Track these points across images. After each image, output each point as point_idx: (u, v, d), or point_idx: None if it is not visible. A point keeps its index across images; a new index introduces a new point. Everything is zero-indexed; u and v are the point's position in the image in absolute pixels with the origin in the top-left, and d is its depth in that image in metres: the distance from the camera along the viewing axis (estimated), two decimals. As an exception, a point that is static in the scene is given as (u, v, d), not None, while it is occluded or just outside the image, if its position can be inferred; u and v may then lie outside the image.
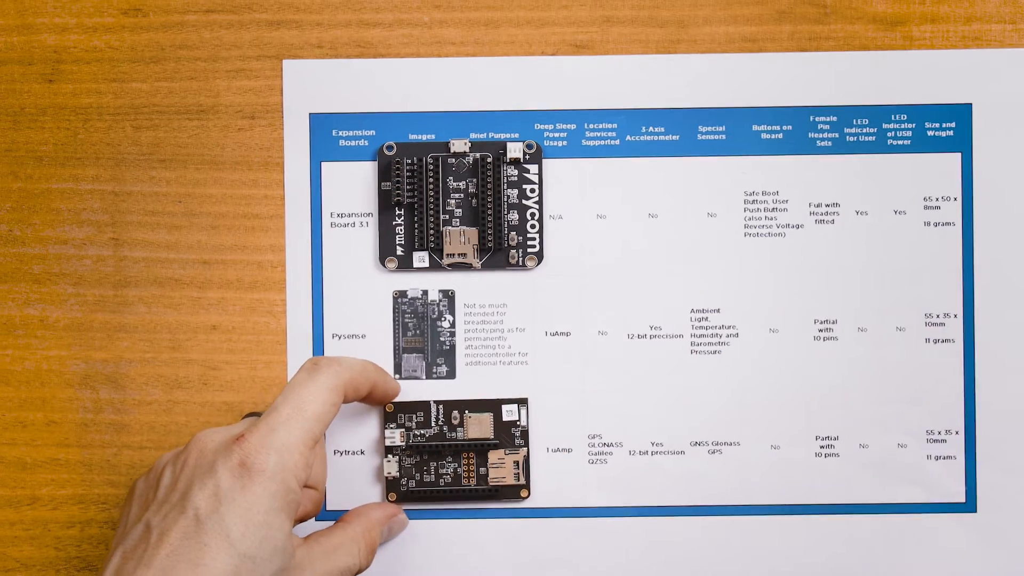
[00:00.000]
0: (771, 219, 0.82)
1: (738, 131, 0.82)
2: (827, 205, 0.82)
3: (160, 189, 0.82)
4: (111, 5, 0.81)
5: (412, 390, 0.81)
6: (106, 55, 0.82)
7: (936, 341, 0.81)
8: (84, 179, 0.82)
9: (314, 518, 0.78)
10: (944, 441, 0.81)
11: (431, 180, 0.81)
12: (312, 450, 0.67)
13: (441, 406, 0.81)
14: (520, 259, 0.81)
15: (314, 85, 0.82)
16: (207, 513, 0.64)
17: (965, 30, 0.82)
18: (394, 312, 0.82)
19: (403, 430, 0.80)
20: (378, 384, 0.76)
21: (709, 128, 0.82)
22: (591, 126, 0.82)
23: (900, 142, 0.82)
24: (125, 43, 0.81)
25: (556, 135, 0.82)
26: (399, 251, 0.81)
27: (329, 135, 0.82)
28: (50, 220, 0.82)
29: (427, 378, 0.81)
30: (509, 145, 0.81)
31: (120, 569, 0.64)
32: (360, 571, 0.72)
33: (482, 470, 0.81)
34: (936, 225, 0.82)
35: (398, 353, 0.81)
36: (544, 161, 0.82)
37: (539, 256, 0.81)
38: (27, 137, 0.82)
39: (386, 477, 0.80)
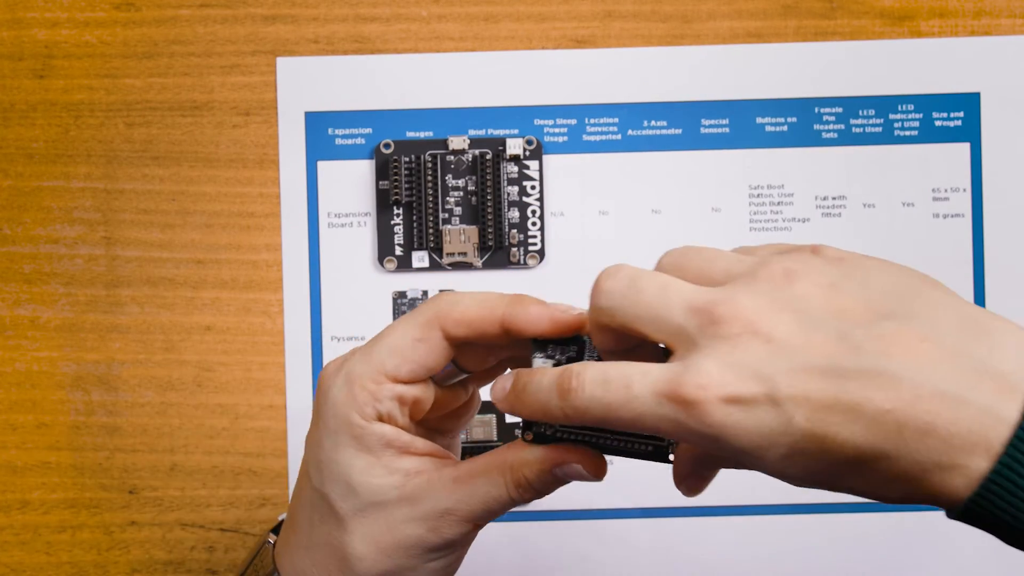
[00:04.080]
0: (777, 213, 0.81)
1: (742, 124, 0.81)
2: (834, 198, 0.81)
3: (153, 187, 0.81)
4: (103, -1, 0.82)
5: (412, 392, 0.80)
6: (98, 50, 0.81)
7: (947, 335, 0.80)
8: (76, 177, 0.81)
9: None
10: (957, 437, 0.80)
11: (430, 178, 0.80)
12: (382, 385, 0.59)
13: (441, 408, 0.80)
14: (521, 257, 0.81)
15: (309, 83, 0.81)
16: (307, 442, 0.62)
17: (974, 24, 0.81)
18: (394, 313, 0.81)
19: (404, 433, 0.79)
20: (511, 318, 0.59)
21: (712, 121, 0.81)
22: (592, 121, 0.81)
23: (907, 133, 0.81)
24: (117, 38, 0.81)
25: (556, 131, 0.81)
26: (398, 251, 0.81)
27: (325, 134, 0.81)
28: (41, 219, 0.81)
29: (427, 380, 0.81)
30: (509, 141, 0.80)
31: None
32: (511, 505, 0.60)
33: (484, 473, 0.80)
34: (945, 217, 0.81)
35: (397, 355, 0.80)
36: (544, 157, 0.81)
37: (541, 254, 0.81)
38: (17, 134, 0.81)
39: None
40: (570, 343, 0.58)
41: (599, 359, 0.57)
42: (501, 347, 0.61)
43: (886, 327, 0.49)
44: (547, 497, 0.79)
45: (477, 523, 0.60)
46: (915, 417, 0.48)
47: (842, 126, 0.81)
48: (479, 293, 0.59)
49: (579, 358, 0.58)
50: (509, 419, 0.79)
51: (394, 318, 0.81)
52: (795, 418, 0.49)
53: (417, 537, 0.59)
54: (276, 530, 0.65)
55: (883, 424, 0.48)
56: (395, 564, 0.59)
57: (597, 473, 0.58)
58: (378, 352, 0.59)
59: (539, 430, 0.58)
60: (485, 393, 0.65)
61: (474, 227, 0.81)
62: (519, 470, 0.58)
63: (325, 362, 0.80)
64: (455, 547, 0.60)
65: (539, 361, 0.58)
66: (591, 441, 0.57)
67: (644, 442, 0.57)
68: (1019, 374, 0.48)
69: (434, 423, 0.64)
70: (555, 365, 0.58)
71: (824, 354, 0.49)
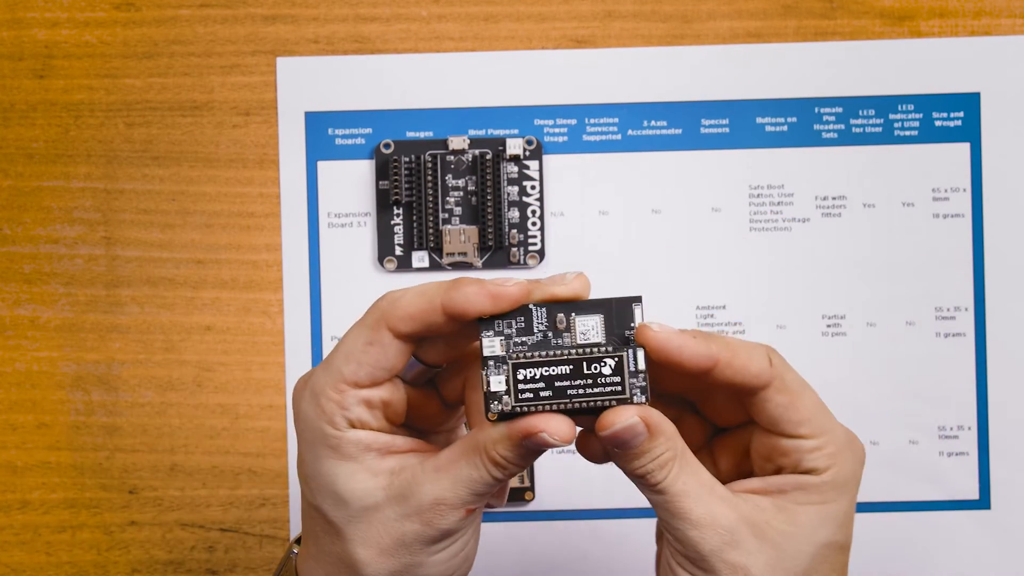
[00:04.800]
0: (777, 213, 0.81)
1: (742, 124, 0.81)
2: (834, 198, 0.81)
3: (153, 187, 0.81)
4: (103, -1, 0.81)
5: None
6: (98, 50, 0.81)
7: (947, 335, 0.80)
8: (76, 177, 0.81)
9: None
10: (956, 437, 0.80)
11: (430, 178, 0.80)
12: (345, 393, 0.59)
13: (441, 408, 0.80)
14: (521, 257, 0.80)
15: (309, 83, 0.81)
16: (296, 460, 0.62)
17: (974, 24, 0.81)
18: (393, 313, 0.81)
19: (403, 433, 0.79)
20: (450, 304, 0.58)
21: (712, 121, 0.81)
22: (592, 121, 0.81)
23: (907, 133, 0.81)
24: (117, 38, 0.81)
25: (556, 131, 0.81)
26: (398, 251, 0.81)
27: (325, 134, 0.81)
28: (41, 218, 0.81)
29: (427, 380, 0.81)
30: (509, 141, 0.80)
31: None
32: (496, 483, 0.59)
33: (484, 473, 0.79)
34: (945, 217, 0.81)
35: (397, 355, 0.80)
36: (544, 157, 0.81)
37: (540, 254, 0.80)
38: (17, 134, 0.81)
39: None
40: (517, 315, 0.57)
41: (550, 329, 0.57)
42: (457, 335, 0.60)
43: None
44: (547, 497, 0.80)
45: (468, 507, 0.59)
46: None
47: (842, 126, 0.81)
48: (421, 285, 0.59)
49: (528, 331, 0.57)
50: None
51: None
52: None
53: (414, 532, 0.59)
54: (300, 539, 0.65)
55: None
56: (400, 563, 0.59)
57: (565, 438, 0.57)
58: (335, 361, 0.59)
59: (501, 408, 0.57)
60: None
61: (474, 227, 0.81)
62: (491, 449, 0.58)
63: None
64: (455, 534, 0.60)
65: (488, 340, 0.57)
66: (554, 408, 0.57)
67: (607, 399, 0.57)
68: None
69: (430, 426, 0.63)
70: (504, 340, 0.57)
71: None
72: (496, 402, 0.57)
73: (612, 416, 0.56)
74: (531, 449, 0.58)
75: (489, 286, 0.58)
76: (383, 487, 0.59)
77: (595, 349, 0.57)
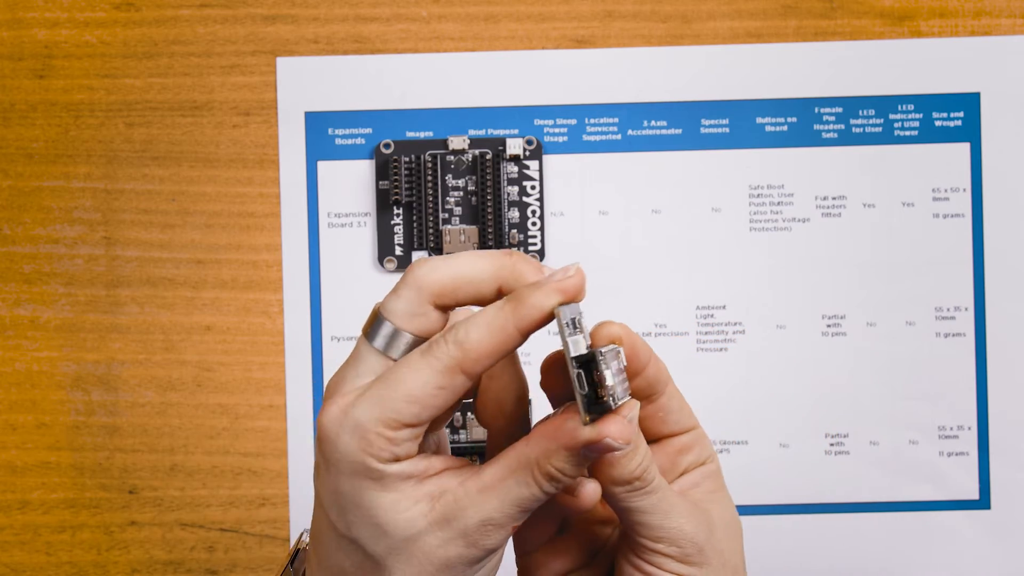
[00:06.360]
0: (777, 213, 0.81)
1: (742, 124, 0.81)
2: (834, 198, 0.81)
3: (153, 187, 0.81)
4: (103, -1, 0.81)
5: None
6: (98, 50, 0.81)
7: (947, 335, 0.80)
8: (76, 177, 0.81)
9: None
10: (956, 437, 0.80)
11: (430, 178, 0.80)
12: (400, 431, 0.56)
13: (441, 408, 0.79)
14: (521, 257, 0.80)
15: (309, 83, 0.81)
16: (316, 485, 0.59)
17: (974, 24, 0.81)
18: (393, 313, 0.81)
19: (403, 433, 0.78)
20: (527, 322, 0.55)
21: (712, 121, 0.81)
22: (592, 121, 0.81)
23: (907, 133, 0.81)
24: (117, 38, 0.81)
25: (556, 131, 0.81)
26: (398, 251, 0.81)
27: (325, 134, 0.81)
28: (41, 219, 0.81)
29: (427, 380, 0.80)
30: (509, 141, 0.80)
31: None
32: (546, 499, 0.57)
33: (484, 473, 0.79)
34: (945, 217, 0.81)
35: (397, 355, 0.80)
36: (544, 157, 0.81)
37: (541, 254, 0.81)
38: (17, 134, 0.81)
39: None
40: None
41: (568, 327, 0.54)
42: None
43: None
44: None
45: (516, 524, 0.57)
46: None
47: (842, 126, 0.81)
48: (480, 315, 0.56)
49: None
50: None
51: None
52: None
53: (458, 555, 0.57)
54: (292, 561, 0.64)
55: None
56: None
57: (627, 439, 0.54)
58: (393, 401, 0.56)
59: (613, 402, 0.53)
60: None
61: (474, 227, 0.81)
62: (545, 464, 0.55)
63: (325, 363, 0.80)
64: (497, 550, 0.58)
65: (578, 337, 0.53)
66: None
67: (628, 393, 0.55)
68: None
69: (435, 425, 0.62)
70: (574, 326, 0.54)
71: None
72: (611, 397, 0.53)
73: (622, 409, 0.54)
74: (590, 457, 0.55)
75: (555, 285, 0.55)
76: (424, 514, 0.57)
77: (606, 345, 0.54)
